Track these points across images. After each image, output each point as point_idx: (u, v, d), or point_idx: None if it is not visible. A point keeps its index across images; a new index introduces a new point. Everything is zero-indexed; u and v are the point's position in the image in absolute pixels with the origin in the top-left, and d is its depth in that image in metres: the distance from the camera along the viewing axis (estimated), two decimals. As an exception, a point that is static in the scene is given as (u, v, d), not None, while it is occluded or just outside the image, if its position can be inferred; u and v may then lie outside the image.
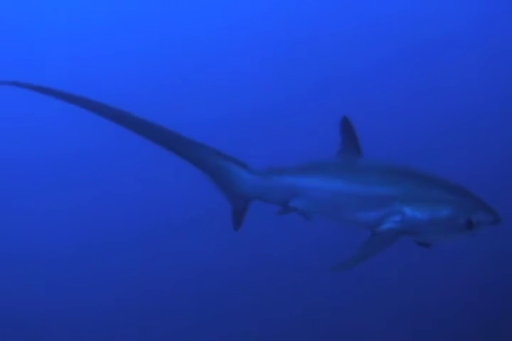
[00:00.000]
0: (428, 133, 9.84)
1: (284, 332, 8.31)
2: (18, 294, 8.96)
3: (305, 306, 8.46)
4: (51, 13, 10.36)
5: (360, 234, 3.48)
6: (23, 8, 10.17)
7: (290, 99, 10.46)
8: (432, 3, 10.25)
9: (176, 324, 8.63)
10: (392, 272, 7.80)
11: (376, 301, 8.17)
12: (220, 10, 10.74)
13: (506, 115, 9.97)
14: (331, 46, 10.45)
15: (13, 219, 9.69)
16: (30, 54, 10.01)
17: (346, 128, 3.56)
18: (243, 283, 8.88)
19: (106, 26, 10.53)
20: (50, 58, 10.04)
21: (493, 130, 9.91)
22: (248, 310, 8.53)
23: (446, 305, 8.20)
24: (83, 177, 10.19)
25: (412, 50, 10.42)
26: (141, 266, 9.36)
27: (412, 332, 8.12)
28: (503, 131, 9.83)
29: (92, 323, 8.66)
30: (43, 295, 9.05)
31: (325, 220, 3.65)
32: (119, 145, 8.24)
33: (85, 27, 10.51)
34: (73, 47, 10.28)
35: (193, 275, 9.08)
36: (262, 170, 3.63)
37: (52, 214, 9.85)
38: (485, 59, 10.18)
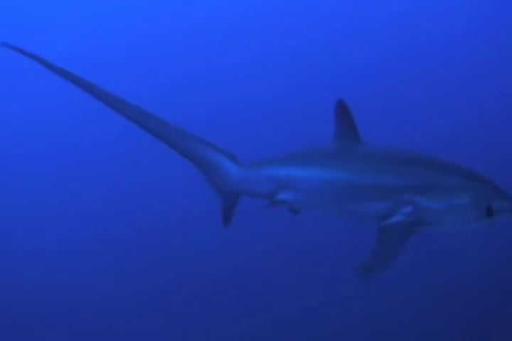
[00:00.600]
0: (428, 126, 9.58)
1: (283, 330, 8.07)
2: (16, 288, 8.85)
3: (305, 304, 8.23)
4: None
5: (359, 226, 3.13)
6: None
7: (284, 92, 10.29)
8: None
9: (173, 322, 8.48)
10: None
11: (379, 299, 7.86)
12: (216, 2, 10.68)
13: (506, 109, 9.74)
14: (328, 42, 10.32)
15: (11, 213, 9.64)
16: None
17: (342, 111, 3.18)
18: (241, 280, 8.72)
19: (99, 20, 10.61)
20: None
21: (492, 123, 9.66)
22: (245, 308, 8.35)
23: (454, 303, 7.89)
24: (84, 172, 10.14)
25: (409, 46, 10.25)
26: (139, 264, 9.23)
27: (416, 331, 7.78)
28: (502, 124, 9.59)
29: (88, 319, 8.52)
30: (44, 289, 8.93)
31: (318, 213, 3.31)
32: (117, 139, 8.06)
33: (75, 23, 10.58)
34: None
35: (189, 272, 8.92)
36: (248, 162, 3.36)
37: (52, 208, 9.79)
38: (484, 54, 10.00)
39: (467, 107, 9.76)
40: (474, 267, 7.96)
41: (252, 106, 10.15)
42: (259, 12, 10.55)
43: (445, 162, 3.01)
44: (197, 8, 10.66)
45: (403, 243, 2.81)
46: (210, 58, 10.44)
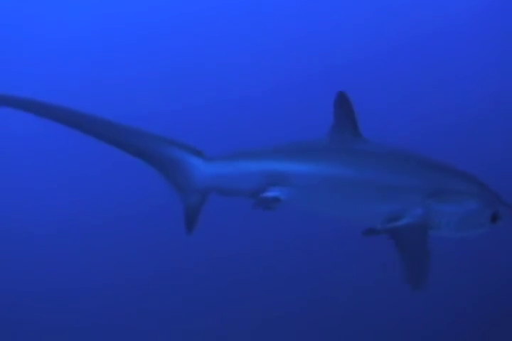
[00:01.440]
0: (424, 126, 9.60)
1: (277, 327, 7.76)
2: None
3: (301, 302, 7.94)
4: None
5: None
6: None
7: (280, 89, 9.94)
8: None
9: (166, 320, 8.17)
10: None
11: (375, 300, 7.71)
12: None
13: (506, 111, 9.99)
14: (328, 37, 10.13)
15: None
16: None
17: (342, 103, 2.91)
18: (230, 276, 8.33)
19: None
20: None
21: (490, 126, 9.80)
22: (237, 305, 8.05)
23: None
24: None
25: (411, 41, 10.27)
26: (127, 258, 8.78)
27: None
28: (500, 127, 9.79)
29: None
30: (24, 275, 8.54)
31: (314, 213, 2.99)
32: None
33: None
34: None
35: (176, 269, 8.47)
36: (222, 156, 2.94)
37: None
38: (488, 52, 10.24)
39: (465, 108, 9.82)
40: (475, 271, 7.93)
41: (244, 101, 9.80)
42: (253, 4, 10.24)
43: (449, 165, 2.91)
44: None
45: (423, 244, 2.64)
46: (202, 52, 10.05)
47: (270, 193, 2.81)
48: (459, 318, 7.56)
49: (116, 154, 3.14)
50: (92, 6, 9.86)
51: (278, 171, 2.82)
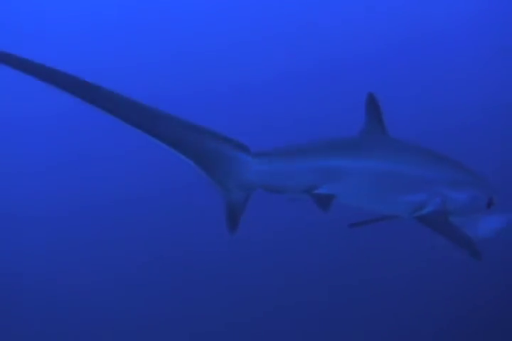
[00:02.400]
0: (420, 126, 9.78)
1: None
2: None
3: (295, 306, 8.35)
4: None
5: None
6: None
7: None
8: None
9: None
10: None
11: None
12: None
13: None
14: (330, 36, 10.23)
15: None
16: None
17: (372, 104, 3.33)
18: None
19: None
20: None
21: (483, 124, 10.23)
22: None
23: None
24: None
25: (408, 44, 10.27)
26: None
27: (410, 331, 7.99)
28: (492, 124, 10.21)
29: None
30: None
31: (353, 207, 3.25)
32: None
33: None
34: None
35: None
36: (269, 152, 2.90)
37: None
38: (485, 53, 10.41)
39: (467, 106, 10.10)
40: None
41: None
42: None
43: (454, 159, 3.44)
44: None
45: (450, 226, 3.13)
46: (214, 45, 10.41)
47: (323, 190, 2.95)
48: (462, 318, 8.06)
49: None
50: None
51: (332, 168, 2.95)
